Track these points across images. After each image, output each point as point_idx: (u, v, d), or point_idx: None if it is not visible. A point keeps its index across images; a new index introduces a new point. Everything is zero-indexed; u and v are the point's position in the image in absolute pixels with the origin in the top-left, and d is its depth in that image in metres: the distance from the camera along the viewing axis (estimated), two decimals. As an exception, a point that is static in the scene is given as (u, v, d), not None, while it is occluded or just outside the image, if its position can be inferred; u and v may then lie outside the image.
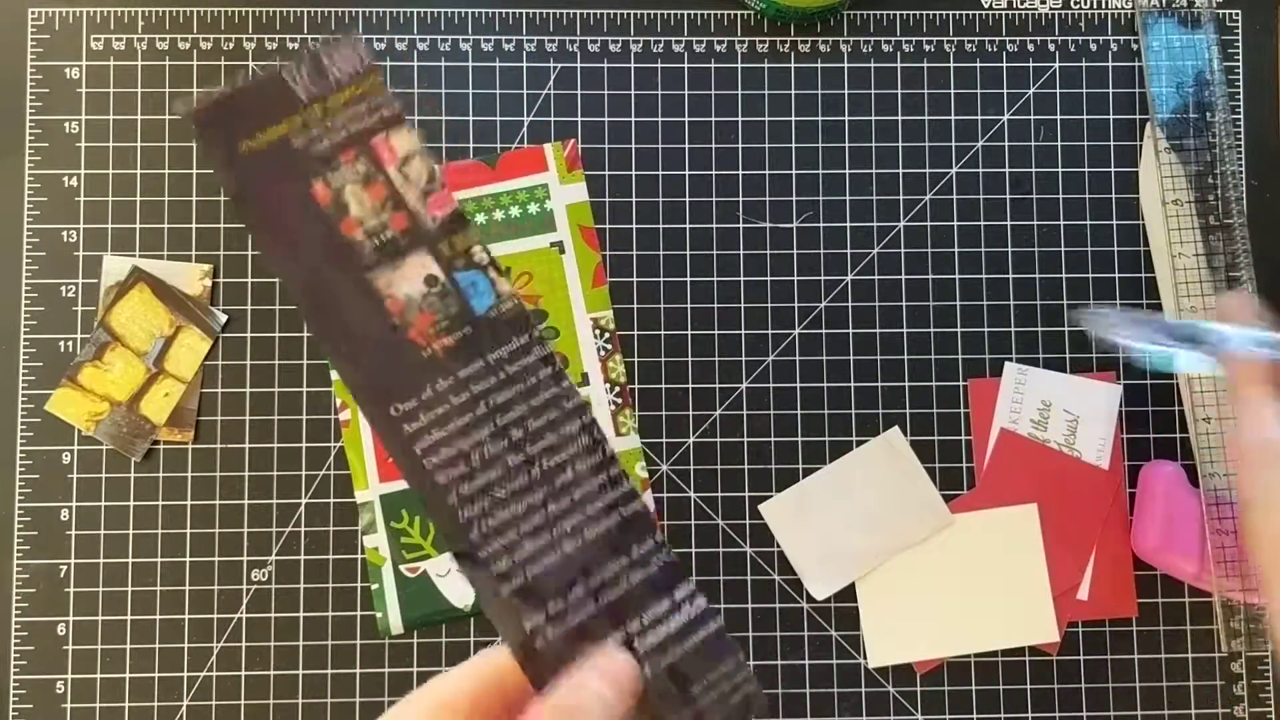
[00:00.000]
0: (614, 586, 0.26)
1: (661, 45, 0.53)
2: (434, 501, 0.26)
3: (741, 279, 0.52)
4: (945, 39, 0.53)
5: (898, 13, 0.53)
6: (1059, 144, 0.53)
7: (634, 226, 0.52)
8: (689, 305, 0.52)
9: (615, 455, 0.27)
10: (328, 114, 0.25)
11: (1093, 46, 0.54)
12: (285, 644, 0.50)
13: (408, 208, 0.26)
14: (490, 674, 0.26)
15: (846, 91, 0.53)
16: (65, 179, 0.52)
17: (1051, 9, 0.54)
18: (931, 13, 0.53)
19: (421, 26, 0.53)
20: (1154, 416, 0.52)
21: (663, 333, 0.52)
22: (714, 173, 0.53)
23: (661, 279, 0.52)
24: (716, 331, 0.52)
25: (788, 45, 0.53)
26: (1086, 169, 0.53)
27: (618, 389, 0.51)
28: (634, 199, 0.52)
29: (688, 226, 0.52)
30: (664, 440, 0.51)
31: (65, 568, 0.50)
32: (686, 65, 0.53)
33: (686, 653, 0.26)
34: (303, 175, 0.25)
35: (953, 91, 0.53)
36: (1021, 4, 0.54)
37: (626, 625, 0.26)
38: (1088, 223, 0.53)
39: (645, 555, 0.27)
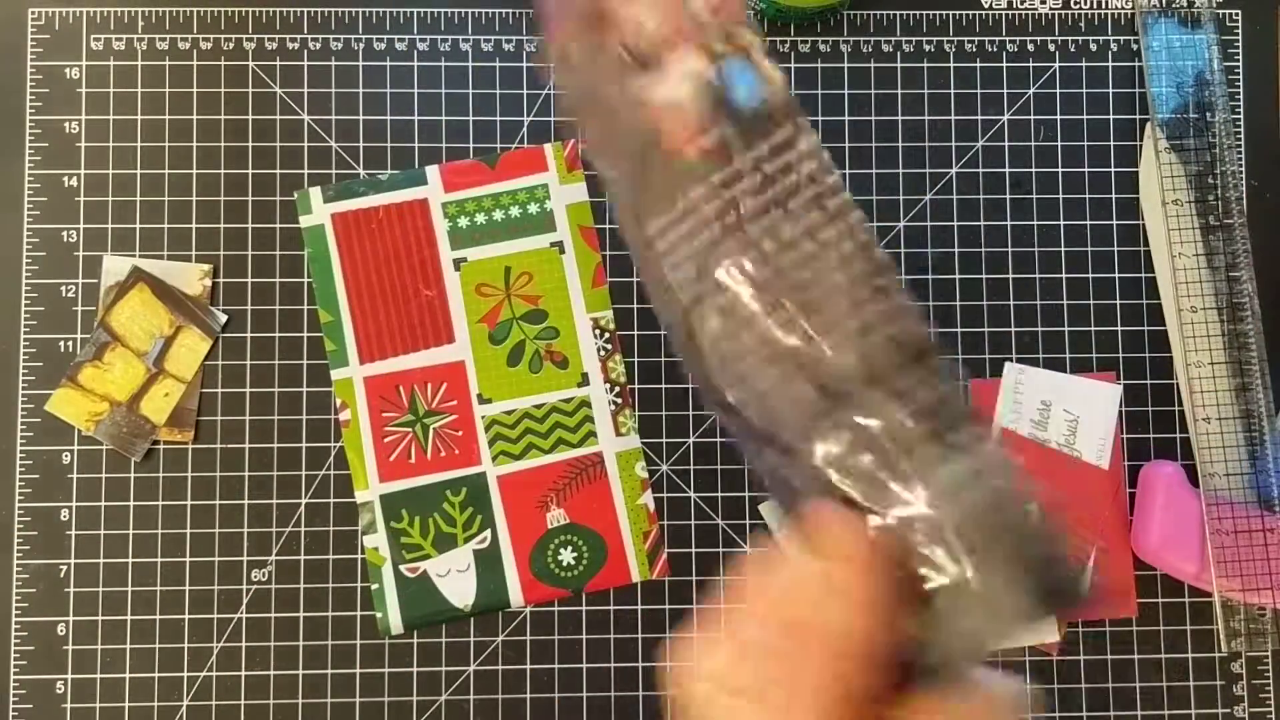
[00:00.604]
0: (874, 418, 0.22)
1: (661, 45, 0.53)
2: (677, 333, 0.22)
3: (741, 279, 0.52)
4: (945, 39, 0.53)
5: (898, 13, 0.53)
6: (1059, 144, 0.53)
7: (634, 226, 0.52)
8: (689, 305, 0.52)
9: (889, 263, 0.22)
10: None
11: (1093, 46, 0.54)
12: (285, 644, 0.50)
13: (684, 9, 0.23)
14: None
15: (846, 91, 0.53)
16: (65, 179, 0.52)
17: (1051, 9, 0.54)
18: (931, 13, 0.53)
19: (421, 26, 0.53)
20: (1154, 416, 0.52)
21: (663, 333, 0.52)
22: (714, 173, 0.52)
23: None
24: (716, 331, 0.52)
25: (788, 45, 0.53)
26: (1086, 169, 0.53)
27: (618, 389, 0.51)
28: (634, 199, 0.52)
29: (688, 226, 0.52)
30: (664, 440, 0.51)
31: (65, 568, 0.50)
32: (686, 65, 0.53)
33: (966, 513, 0.21)
34: None
35: (953, 91, 0.53)
36: (1021, 4, 0.54)
37: (893, 471, 0.21)
38: (1088, 223, 0.53)
39: (911, 387, 0.22)
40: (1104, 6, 0.54)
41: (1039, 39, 0.54)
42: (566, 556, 0.51)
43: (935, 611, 0.21)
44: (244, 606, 0.50)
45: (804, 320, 0.22)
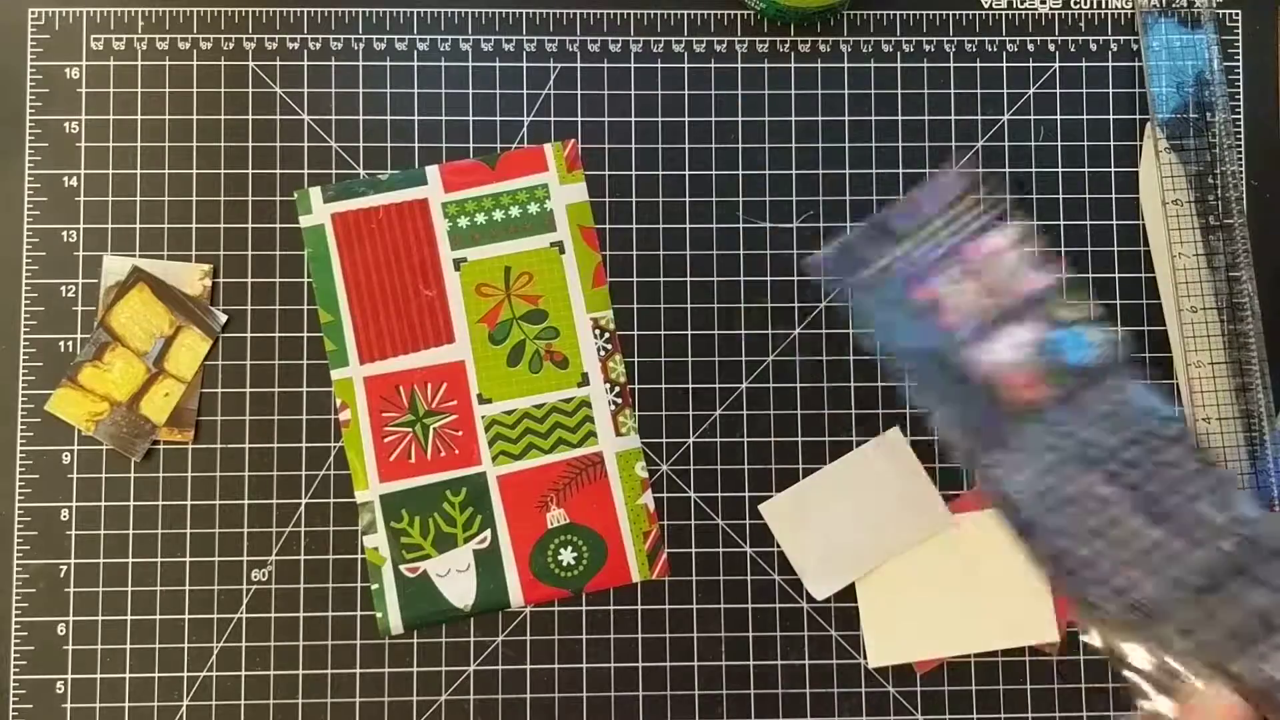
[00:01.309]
0: (1233, 608, 0.25)
1: (661, 45, 0.53)
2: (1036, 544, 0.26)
3: (741, 279, 0.52)
4: (945, 39, 0.53)
5: (898, 13, 0.53)
6: (1059, 144, 0.53)
7: (634, 226, 0.52)
8: (689, 305, 0.52)
9: (1232, 479, 0.25)
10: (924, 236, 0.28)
11: (1093, 46, 0.54)
12: (285, 644, 0.50)
13: (1000, 292, 0.28)
14: None
15: (846, 91, 0.53)
16: (65, 179, 0.52)
17: (1051, 9, 0.54)
18: (931, 13, 0.53)
19: (421, 26, 0.53)
20: (1154, 416, 0.52)
21: (663, 333, 0.52)
22: (714, 173, 0.53)
23: (661, 279, 0.52)
24: (716, 331, 0.52)
25: (788, 45, 0.53)
26: (1086, 169, 0.53)
27: (618, 389, 0.51)
28: (634, 199, 0.52)
29: (688, 226, 0.52)
30: (664, 440, 0.51)
31: (65, 568, 0.50)
32: (686, 65, 0.53)
33: None
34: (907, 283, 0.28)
35: (953, 91, 0.53)
36: (1021, 4, 0.54)
37: (1256, 647, 0.24)
38: (1088, 223, 0.53)
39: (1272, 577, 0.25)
40: (1104, 6, 0.54)
41: (1039, 39, 0.54)
42: (566, 556, 0.51)
43: None
44: (244, 606, 0.50)
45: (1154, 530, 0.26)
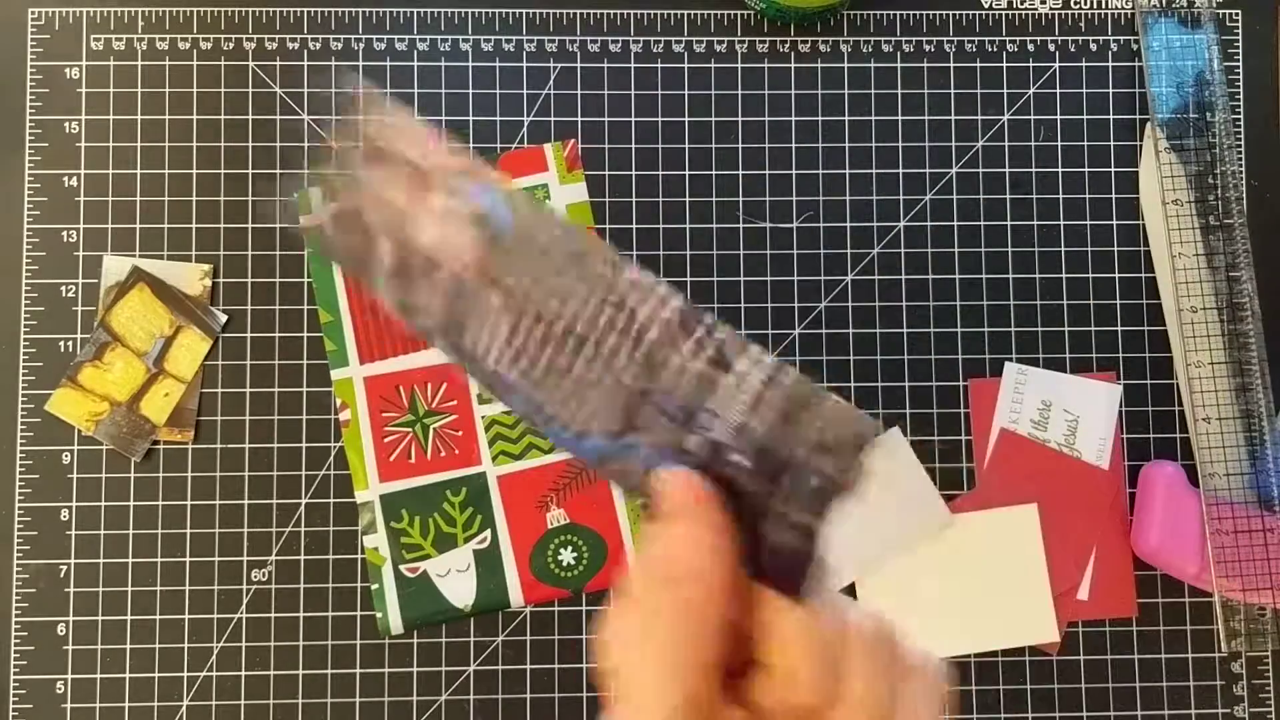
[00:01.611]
0: (674, 393, 0.26)
1: (661, 45, 0.53)
2: (508, 400, 0.27)
3: (741, 279, 0.52)
4: (945, 39, 0.53)
5: (898, 13, 0.53)
6: (1059, 144, 0.53)
7: (634, 226, 0.52)
8: (689, 305, 0.52)
9: (634, 282, 0.26)
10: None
11: (1093, 46, 0.54)
12: (285, 644, 0.50)
13: (422, 172, 0.27)
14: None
15: (846, 91, 0.53)
16: (65, 179, 0.52)
17: (1051, 9, 0.54)
18: (931, 13, 0.53)
19: (421, 26, 0.53)
20: (1154, 416, 0.52)
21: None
22: (714, 173, 0.53)
23: (661, 279, 0.52)
24: (716, 331, 0.52)
25: (788, 45, 0.53)
26: (1086, 169, 0.53)
27: (618, 389, 0.51)
28: (634, 199, 0.52)
29: (688, 226, 0.52)
30: (664, 440, 0.51)
31: (65, 568, 0.50)
32: (686, 65, 0.53)
33: (768, 422, 0.25)
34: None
35: (953, 91, 0.53)
36: (1021, 4, 0.54)
37: (695, 422, 0.25)
38: (1088, 223, 0.53)
39: (694, 350, 0.26)
40: (1104, 6, 0.54)
41: (1039, 39, 0.54)
42: (566, 556, 0.51)
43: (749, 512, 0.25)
44: (244, 606, 0.50)
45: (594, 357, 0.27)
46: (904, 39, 0.53)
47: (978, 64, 0.53)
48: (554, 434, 0.27)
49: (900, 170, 0.53)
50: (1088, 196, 0.53)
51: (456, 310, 0.27)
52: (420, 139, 0.27)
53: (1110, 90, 0.53)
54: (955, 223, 0.53)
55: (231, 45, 0.53)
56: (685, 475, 0.26)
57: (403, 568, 0.51)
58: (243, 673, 0.50)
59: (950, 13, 0.53)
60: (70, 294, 0.52)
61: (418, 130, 0.27)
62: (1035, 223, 0.53)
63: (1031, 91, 0.53)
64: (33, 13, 0.52)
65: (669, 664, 0.24)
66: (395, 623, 0.50)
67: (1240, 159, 0.53)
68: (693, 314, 0.26)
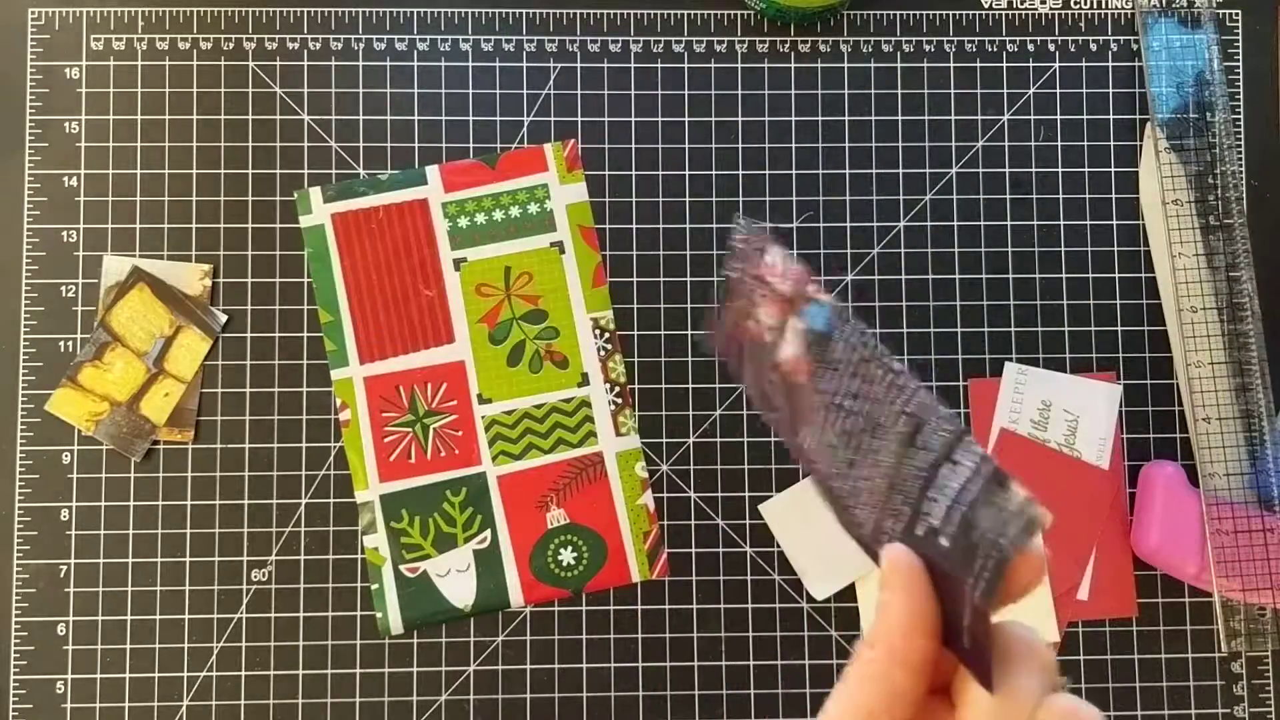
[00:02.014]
0: (904, 479, 0.28)
1: (661, 45, 0.53)
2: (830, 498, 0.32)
3: (741, 279, 0.52)
4: (945, 39, 0.53)
5: (898, 13, 0.53)
6: (1059, 144, 0.53)
7: (634, 226, 0.52)
8: (689, 305, 0.52)
9: (905, 372, 0.28)
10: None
11: (1093, 46, 0.54)
12: (285, 644, 0.50)
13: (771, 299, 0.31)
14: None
15: (846, 91, 0.53)
16: (65, 179, 0.52)
17: (1051, 9, 0.54)
18: (931, 13, 0.53)
19: (421, 26, 0.53)
20: (1154, 416, 0.52)
21: (663, 333, 0.52)
22: (714, 173, 0.53)
23: (661, 279, 0.52)
24: (716, 331, 0.52)
25: (788, 45, 0.53)
26: (1086, 169, 0.53)
27: (618, 389, 0.51)
28: (634, 199, 0.52)
29: (688, 226, 0.52)
30: (664, 440, 0.51)
31: (65, 568, 0.50)
32: (686, 65, 0.53)
33: (970, 506, 0.27)
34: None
35: (953, 91, 0.53)
36: (1021, 4, 0.54)
37: (921, 509, 0.27)
38: (1088, 223, 0.53)
39: (926, 438, 0.28)
40: (1104, 6, 0.54)
41: (1039, 39, 0.54)
42: (566, 556, 0.51)
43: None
44: (244, 606, 0.50)
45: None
46: (904, 39, 0.53)
47: (978, 64, 0.53)
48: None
49: (900, 170, 0.53)
50: (1088, 196, 0.53)
51: (795, 407, 0.31)
52: (788, 270, 0.31)
53: (1110, 90, 0.53)
54: (955, 223, 0.53)
55: (231, 45, 0.53)
56: (906, 551, 0.27)
57: (403, 568, 0.51)
58: (243, 673, 0.50)
59: (950, 13, 0.53)
60: (70, 294, 0.52)
61: (789, 264, 0.31)
62: (1035, 223, 0.53)
63: (1031, 91, 0.53)
64: (33, 13, 0.52)
65: (864, 714, 0.26)
66: (395, 623, 0.50)
67: (1240, 159, 0.53)
68: (933, 407, 0.28)
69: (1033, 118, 0.53)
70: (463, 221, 0.52)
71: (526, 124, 0.53)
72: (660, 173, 0.52)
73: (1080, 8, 0.54)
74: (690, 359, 0.52)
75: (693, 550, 0.51)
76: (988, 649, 0.26)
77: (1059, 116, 0.53)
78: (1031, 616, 0.50)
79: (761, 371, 0.32)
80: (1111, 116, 0.53)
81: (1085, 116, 0.53)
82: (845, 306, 0.31)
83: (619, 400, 0.51)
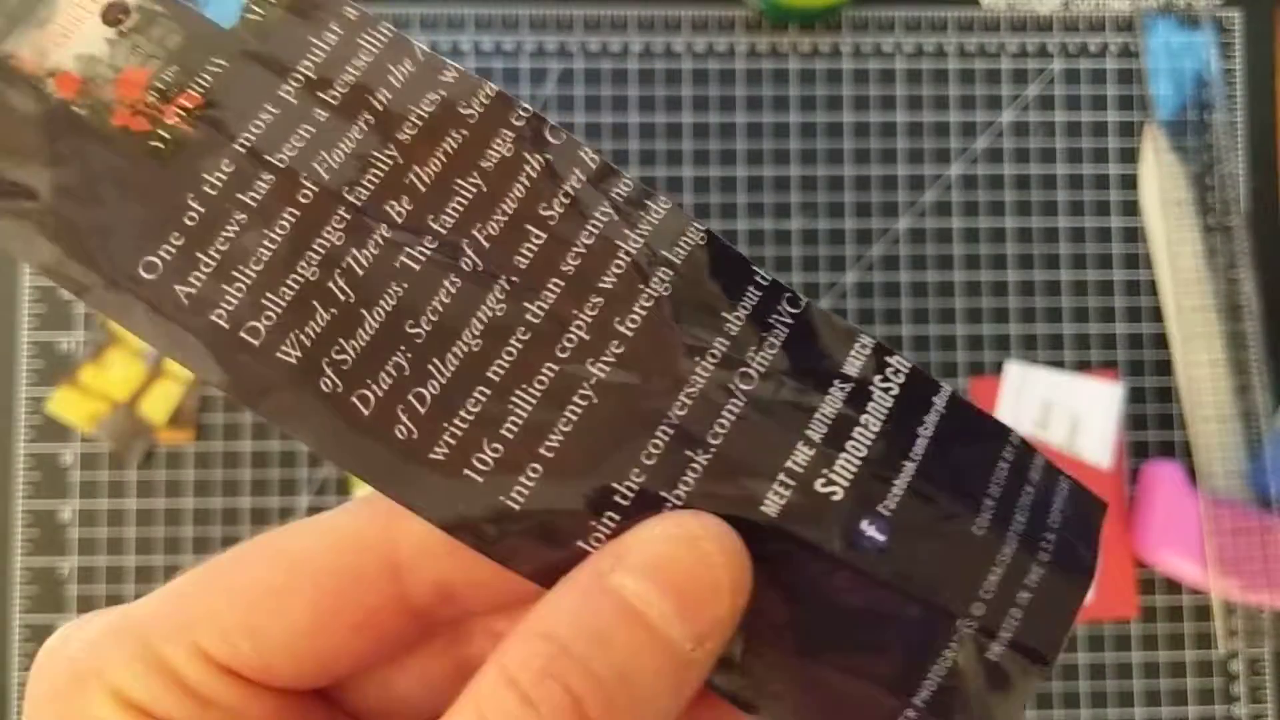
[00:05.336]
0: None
1: (661, 45, 0.53)
2: None
3: (741, 279, 0.52)
4: (945, 39, 0.53)
5: (897, 13, 0.53)
6: (1059, 144, 0.53)
7: (634, 226, 0.52)
8: (689, 305, 0.52)
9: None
10: None
11: (1093, 47, 0.54)
12: (286, 644, 0.50)
13: None
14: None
15: (846, 91, 0.53)
16: (65, 179, 0.52)
17: (1051, 9, 0.54)
18: (931, 13, 0.53)
19: (422, 26, 0.53)
20: (1154, 416, 0.52)
21: (663, 333, 0.52)
22: (714, 173, 0.53)
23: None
24: (716, 331, 0.52)
25: (787, 45, 0.53)
26: (1086, 169, 0.53)
27: (618, 389, 0.51)
28: (634, 199, 0.52)
29: (688, 226, 0.52)
30: (664, 440, 0.51)
31: (65, 568, 0.50)
32: (686, 65, 0.53)
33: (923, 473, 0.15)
34: None
35: (952, 91, 0.53)
36: (1022, 4, 0.54)
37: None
38: (1088, 223, 0.53)
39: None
40: (1104, 7, 0.54)
41: (1039, 39, 0.54)
42: (567, 556, 0.51)
43: None
44: (244, 606, 0.50)
45: None
46: (904, 39, 0.53)
47: (977, 64, 0.53)
48: None
49: (900, 170, 0.53)
50: (1087, 196, 0.53)
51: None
52: None
53: (1110, 90, 0.53)
54: (955, 223, 0.53)
55: (231, 45, 0.53)
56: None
57: (403, 568, 0.50)
58: (243, 673, 0.50)
59: (950, 13, 0.53)
60: (70, 294, 0.51)
61: None
62: (1035, 223, 0.53)
63: (1031, 91, 0.53)
64: (32, 13, 0.52)
65: None
66: (395, 623, 0.50)
67: (1239, 160, 0.53)
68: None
69: (1033, 118, 0.53)
70: (463, 221, 0.52)
71: (527, 124, 0.53)
72: (660, 173, 0.52)
73: (1080, 8, 0.54)
74: (690, 359, 0.52)
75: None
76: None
77: (1059, 116, 0.53)
78: (1031, 616, 0.50)
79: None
80: (1111, 117, 0.53)
81: (1085, 116, 0.53)
82: None
83: (619, 400, 0.51)
